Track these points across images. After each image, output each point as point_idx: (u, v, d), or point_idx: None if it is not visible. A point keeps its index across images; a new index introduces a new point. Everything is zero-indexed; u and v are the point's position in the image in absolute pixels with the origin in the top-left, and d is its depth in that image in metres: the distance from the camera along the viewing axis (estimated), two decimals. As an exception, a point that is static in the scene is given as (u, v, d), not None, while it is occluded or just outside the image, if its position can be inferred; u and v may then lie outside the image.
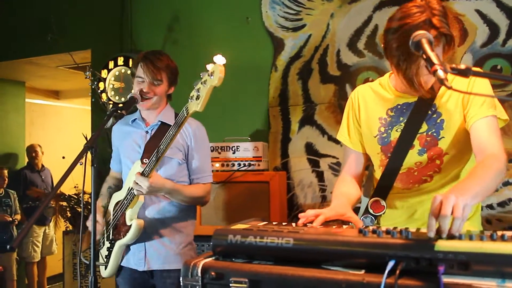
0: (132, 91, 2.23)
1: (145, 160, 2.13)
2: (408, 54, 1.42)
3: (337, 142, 3.39)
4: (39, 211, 1.59)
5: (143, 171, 2.05)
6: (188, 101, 1.91)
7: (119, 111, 2.01)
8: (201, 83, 1.84)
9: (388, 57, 1.54)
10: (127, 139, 2.30)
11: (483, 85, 1.54)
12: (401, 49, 1.44)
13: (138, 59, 2.22)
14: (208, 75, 1.80)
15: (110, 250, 2.24)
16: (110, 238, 2.25)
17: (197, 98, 1.86)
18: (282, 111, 3.57)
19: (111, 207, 2.29)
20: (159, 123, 2.26)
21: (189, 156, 2.27)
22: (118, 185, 2.38)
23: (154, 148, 2.09)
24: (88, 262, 2.20)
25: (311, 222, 1.41)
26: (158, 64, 2.18)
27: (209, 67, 1.80)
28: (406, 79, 1.49)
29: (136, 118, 2.30)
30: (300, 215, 1.42)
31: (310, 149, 3.47)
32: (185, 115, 1.94)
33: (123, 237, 2.18)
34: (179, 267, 2.23)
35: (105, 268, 2.26)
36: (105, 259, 2.26)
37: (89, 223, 2.17)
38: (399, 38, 1.44)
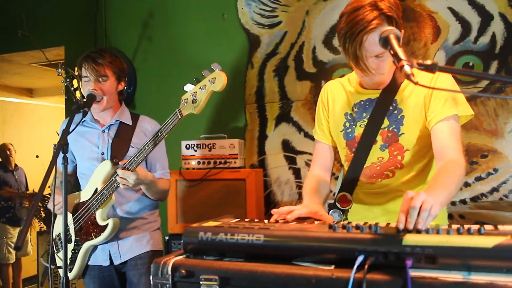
0: (83, 91, 2.23)
1: (115, 160, 2.17)
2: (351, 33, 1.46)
3: (313, 139, 3.39)
4: (31, 215, 1.59)
5: (125, 167, 2.06)
6: (180, 103, 1.97)
7: (83, 109, 2.00)
8: (200, 88, 1.90)
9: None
10: (81, 139, 2.30)
11: (446, 81, 1.54)
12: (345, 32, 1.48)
13: (80, 60, 2.22)
14: (209, 81, 1.87)
15: (75, 252, 2.22)
16: (74, 240, 2.23)
17: (194, 102, 1.93)
18: (259, 108, 3.57)
19: (71, 206, 2.25)
20: (117, 122, 2.30)
21: (150, 154, 2.28)
22: (69, 180, 2.37)
23: (122, 147, 2.17)
24: (47, 265, 2.18)
25: (284, 219, 1.41)
26: (100, 60, 2.19)
27: (209, 73, 1.89)
28: (354, 61, 1.50)
29: (85, 119, 2.29)
30: (273, 211, 1.43)
31: (286, 146, 3.48)
32: (179, 117, 2.00)
33: (95, 237, 2.17)
34: (149, 249, 2.27)
35: (70, 271, 2.23)
36: (68, 261, 2.23)
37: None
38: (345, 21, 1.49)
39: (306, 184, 1.74)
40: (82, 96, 3.95)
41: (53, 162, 1.70)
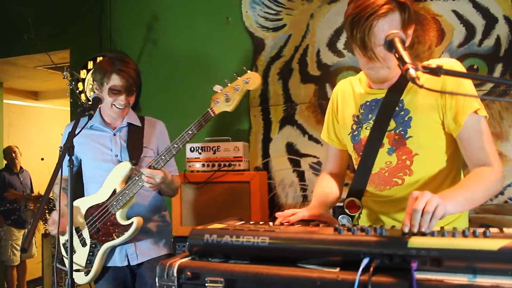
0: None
1: (134, 161, 2.23)
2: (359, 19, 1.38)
3: (317, 142, 3.42)
4: (37, 217, 1.60)
5: (151, 166, 2.13)
6: (211, 102, 2.11)
7: (88, 112, 2.00)
8: (234, 88, 2.04)
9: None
10: (92, 142, 2.32)
11: (460, 80, 1.45)
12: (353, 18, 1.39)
13: (108, 68, 2.22)
14: (244, 81, 2.03)
15: (93, 254, 2.22)
16: (90, 242, 2.23)
17: (227, 100, 2.06)
18: (263, 111, 3.58)
19: (83, 210, 2.27)
20: (127, 124, 2.36)
21: (159, 153, 2.33)
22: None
23: (137, 148, 2.25)
24: (63, 268, 2.18)
25: (288, 221, 1.41)
26: (133, 75, 2.24)
27: (243, 76, 2.05)
28: (361, 48, 1.41)
29: (93, 124, 2.33)
30: (277, 214, 1.42)
31: (291, 149, 3.48)
32: (212, 115, 2.11)
33: (117, 237, 2.19)
34: (166, 252, 2.32)
35: (86, 274, 2.23)
36: (84, 265, 2.23)
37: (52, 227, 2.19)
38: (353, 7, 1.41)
39: (315, 187, 1.71)
40: (87, 99, 3.99)
41: (59, 165, 1.71)
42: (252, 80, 2.02)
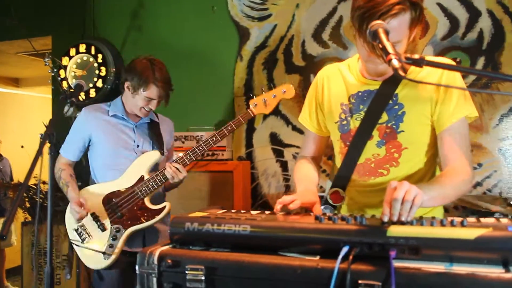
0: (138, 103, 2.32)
1: (162, 151, 2.36)
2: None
3: (301, 132, 3.42)
4: (16, 205, 1.58)
5: (180, 161, 2.25)
6: (251, 105, 2.32)
7: (70, 99, 1.98)
8: (272, 95, 2.29)
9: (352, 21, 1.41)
10: (114, 130, 2.34)
11: (455, 78, 1.47)
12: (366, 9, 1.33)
13: (148, 77, 2.27)
14: (282, 91, 2.30)
15: (115, 239, 2.22)
16: (111, 227, 2.24)
17: (266, 105, 2.29)
18: (247, 101, 3.56)
19: (100, 196, 2.28)
20: (149, 120, 2.44)
21: (169, 149, 2.51)
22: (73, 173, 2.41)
23: (160, 140, 2.39)
24: (78, 245, 2.19)
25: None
26: (169, 83, 2.35)
27: (280, 86, 2.31)
28: (366, 42, 1.37)
29: (115, 113, 2.37)
30: (278, 201, 1.39)
31: (274, 139, 3.49)
32: (252, 115, 2.30)
33: (146, 221, 2.23)
34: None
35: (106, 258, 2.22)
36: (104, 250, 2.22)
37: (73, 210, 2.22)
38: None
39: (297, 171, 1.69)
40: (69, 86, 3.93)
41: (39, 152, 1.69)
42: (288, 91, 2.29)
